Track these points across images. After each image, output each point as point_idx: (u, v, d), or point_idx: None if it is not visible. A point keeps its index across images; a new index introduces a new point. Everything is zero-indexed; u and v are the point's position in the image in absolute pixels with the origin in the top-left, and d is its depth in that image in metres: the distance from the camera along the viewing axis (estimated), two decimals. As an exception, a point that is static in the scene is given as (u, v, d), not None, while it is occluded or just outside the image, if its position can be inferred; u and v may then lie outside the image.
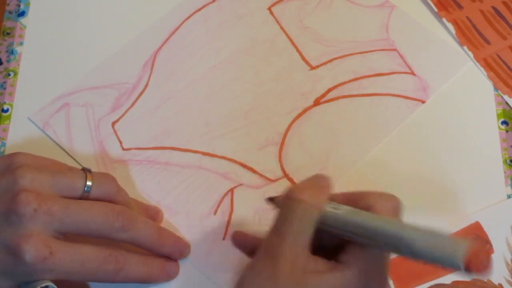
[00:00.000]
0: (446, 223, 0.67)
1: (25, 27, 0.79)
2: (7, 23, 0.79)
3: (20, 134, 0.73)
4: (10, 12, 0.80)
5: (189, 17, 0.79)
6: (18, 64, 0.77)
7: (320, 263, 0.54)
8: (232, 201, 0.69)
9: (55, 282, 0.59)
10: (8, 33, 0.78)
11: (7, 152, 0.72)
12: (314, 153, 0.71)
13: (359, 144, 0.72)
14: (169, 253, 0.65)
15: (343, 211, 0.55)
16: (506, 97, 0.74)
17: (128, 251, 0.62)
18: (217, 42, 0.77)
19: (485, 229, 0.67)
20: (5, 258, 0.58)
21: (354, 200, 0.56)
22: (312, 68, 0.76)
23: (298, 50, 0.77)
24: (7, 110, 0.74)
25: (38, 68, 0.77)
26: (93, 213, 0.60)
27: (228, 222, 0.68)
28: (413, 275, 0.65)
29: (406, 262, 0.64)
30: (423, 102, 0.74)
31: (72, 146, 0.72)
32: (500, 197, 0.69)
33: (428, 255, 0.50)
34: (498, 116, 0.73)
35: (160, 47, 0.77)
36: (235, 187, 0.69)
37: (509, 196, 0.69)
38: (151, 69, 0.76)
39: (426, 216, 0.68)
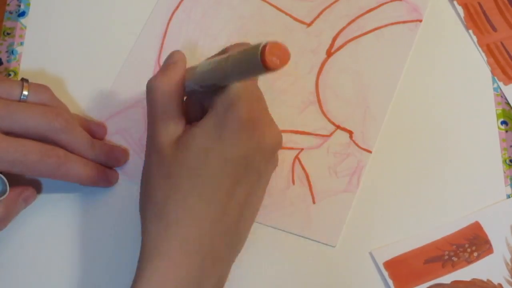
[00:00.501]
0: (446, 222, 0.68)
1: (25, 27, 0.78)
2: (7, 23, 0.79)
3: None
4: (11, 12, 0.79)
5: (170, 18, 0.78)
6: (18, 64, 0.76)
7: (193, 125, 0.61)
8: (302, 166, 0.71)
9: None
10: (8, 33, 0.78)
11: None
12: (351, 98, 0.74)
13: (386, 74, 0.75)
14: (105, 160, 0.69)
15: (198, 66, 0.62)
16: (501, 84, 0.74)
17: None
18: (210, 31, 0.77)
19: (485, 229, 0.67)
20: None
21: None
22: (308, 25, 0.77)
23: (287, 14, 0.78)
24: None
25: (38, 68, 0.76)
26: (33, 112, 0.64)
27: (310, 186, 0.69)
28: (413, 275, 0.65)
29: (406, 263, 0.65)
30: (420, 21, 0.77)
31: (129, 176, 0.71)
32: (500, 197, 0.69)
33: (238, 66, 0.55)
34: (498, 116, 0.73)
35: (159, 55, 0.76)
36: (298, 153, 0.71)
37: (508, 196, 0.69)
38: None
39: (425, 216, 0.68)
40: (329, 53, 0.76)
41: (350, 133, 0.72)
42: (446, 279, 0.65)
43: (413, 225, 0.68)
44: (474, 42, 0.77)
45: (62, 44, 0.78)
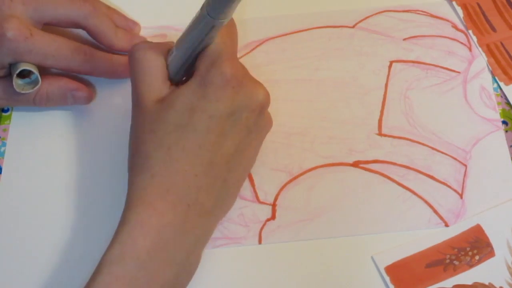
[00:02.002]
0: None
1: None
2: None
3: (20, 134, 0.74)
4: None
5: (321, 27, 0.79)
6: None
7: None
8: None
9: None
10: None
11: (7, 153, 0.72)
12: None
13: None
14: (127, 48, 0.72)
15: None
16: (502, 84, 0.74)
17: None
18: (320, 62, 0.77)
19: (486, 232, 0.67)
20: None
21: None
22: (379, 134, 0.73)
23: (382, 111, 0.74)
24: (7, 110, 0.75)
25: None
26: (62, 1, 0.70)
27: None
28: (415, 280, 0.65)
29: (407, 267, 0.65)
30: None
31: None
32: (501, 198, 0.69)
33: (195, 32, 0.61)
34: (498, 116, 0.73)
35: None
36: None
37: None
38: None
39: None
40: (356, 164, 0.71)
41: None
42: (448, 283, 0.65)
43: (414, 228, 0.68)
44: (474, 42, 0.77)
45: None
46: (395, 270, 0.65)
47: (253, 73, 0.65)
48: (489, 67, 0.75)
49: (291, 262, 0.67)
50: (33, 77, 0.69)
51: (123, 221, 0.59)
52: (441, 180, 0.70)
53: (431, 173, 0.70)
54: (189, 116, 0.60)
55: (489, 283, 0.65)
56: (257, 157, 0.68)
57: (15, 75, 0.68)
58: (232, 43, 0.63)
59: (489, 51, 0.76)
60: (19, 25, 0.66)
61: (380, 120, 0.73)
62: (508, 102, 0.73)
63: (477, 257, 0.66)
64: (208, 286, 0.65)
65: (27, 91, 0.69)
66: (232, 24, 0.64)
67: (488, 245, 0.67)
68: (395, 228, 0.68)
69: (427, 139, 0.72)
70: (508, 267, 0.66)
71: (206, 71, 0.61)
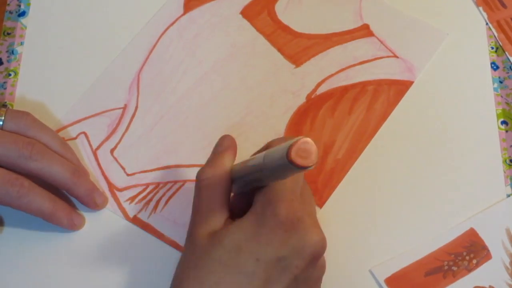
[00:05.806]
0: (445, 226, 0.68)
1: (25, 27, 0.78)
2: (8, 23, 0.79)
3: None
4: (11, 12, 0.79)
5: (163, 32, 0.78)
6: (19, 64, 0.76)
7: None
8: None
9: None
10: (8, 33, 0.78)
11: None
12: (318, 148, 0.70)
13: (360, 132, 0.72)
14: (82, 196, 0.67)
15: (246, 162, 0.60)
16: (512, 59, 0.76)
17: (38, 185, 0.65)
18: (197, 53, 0.77)
19: (480, 234, 0.67)
20: None
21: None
22: (297, 66, 0.76)
23: (279, 50, 0.77)
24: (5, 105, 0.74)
25: (38, 68, 0.76)
26: (3, 140, 0.64)
27: None
28: (417, 289, 0.66)
29: (407, 277, 0.66)
30: (412, 82, 0.75)
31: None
32: (500, 197, 0.69)
33: (273, 163, 0.55)
34: (498, 116, 0.72)
35: (142, 67, 0.76)
36: None
37: (508, 196, 0.69)
38: (138, 90, 0.75)
39: (423, 217, 0.69)
40: (309, 98, 0.74)
41: None
42: (450, 291, 0.66)
43: (411, 234, 0.68)
44: (484, 19, 0.77)
45: (62, 44, 0.77)
46: (395, 282, 0.65)
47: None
48: (500, 42, 0.76)
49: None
50: None
51: None
52: (372, 57, 0.76)
53: (362, 60, 0.76)
54: (235, 256, 0.57)
55: (489, 286, 0.66)
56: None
57: None
58: (292, 182, 0.59)
59: (499, 27, 0.77)
60: None
61: (285, 57, 0.77)
62: (508, 102, 0.73)
63: (474, 261, 0.66)
64: None
65: None
66: None
67: (484, 248, 0.67)
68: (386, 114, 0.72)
69: (330, 41, 0.78)
70: (507, 268, 0.66)
71: (262, 210, 0.57)
